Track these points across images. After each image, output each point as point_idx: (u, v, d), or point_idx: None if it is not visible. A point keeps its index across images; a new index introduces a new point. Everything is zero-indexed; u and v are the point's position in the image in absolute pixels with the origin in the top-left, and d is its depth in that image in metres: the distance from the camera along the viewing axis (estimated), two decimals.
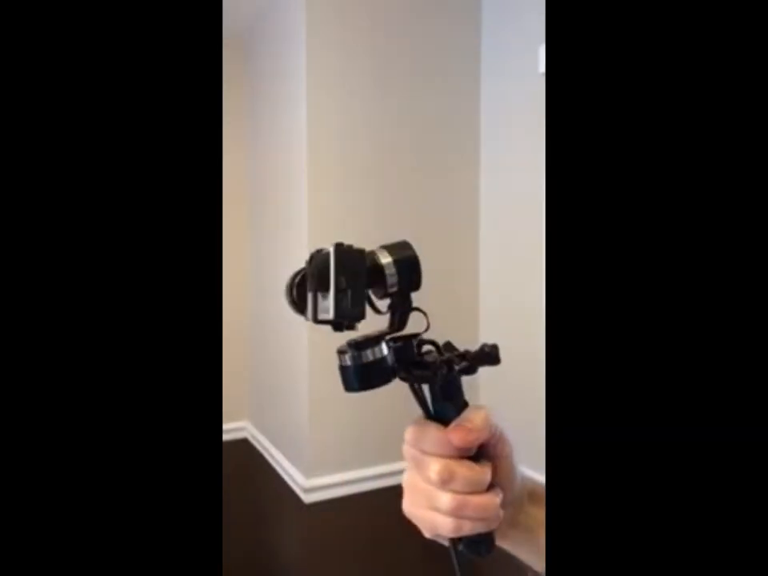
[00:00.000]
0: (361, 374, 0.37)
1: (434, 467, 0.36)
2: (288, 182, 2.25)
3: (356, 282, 0.36)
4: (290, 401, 2.29)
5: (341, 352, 0.38)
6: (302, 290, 0.38)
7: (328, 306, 0.35)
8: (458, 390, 0.39)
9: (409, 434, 0.38)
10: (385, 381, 0.38)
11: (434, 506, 0.37)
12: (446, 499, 0.36)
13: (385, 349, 0.38)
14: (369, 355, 0.37)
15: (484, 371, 0.38)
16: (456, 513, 0.36)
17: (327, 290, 0.35)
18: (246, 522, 1.93)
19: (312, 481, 2.09)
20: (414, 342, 0.39)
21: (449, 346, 0.40)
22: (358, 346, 0.37)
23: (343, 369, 0.38)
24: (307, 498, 2.08)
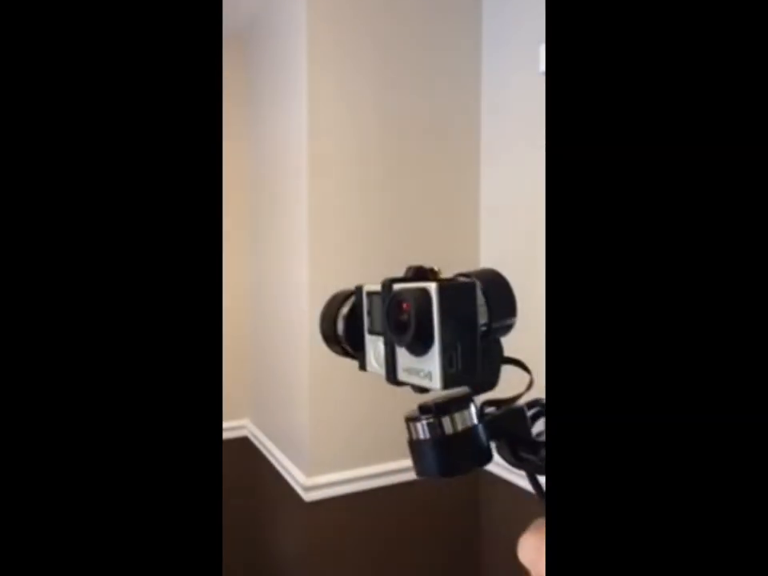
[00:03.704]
0: (441, 452, 0.26)
1: None
2: (288, 179, 2.25)
3: (469, 332, 0.26)
4: (290, 399, 2.29)
5: (411, 420, 0.27)
6: (354, 326, 0.28)
7: (428, 369, 0.24)
8: None
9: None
10: (476, 463, 0.27)
11: None
12: None
13: (474, 415, 0.27)
14: (450, 425, 0.26)
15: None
16: None
17: (426, 343, 0.24)
18: (246, 520, 1.93)
19: (313, 479, 2.09)
20: (524, 408, 0.28)
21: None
22: (437, 410, 0.27)
23: (416, 445, 0.27)
24: (308, 497, 2.07)
